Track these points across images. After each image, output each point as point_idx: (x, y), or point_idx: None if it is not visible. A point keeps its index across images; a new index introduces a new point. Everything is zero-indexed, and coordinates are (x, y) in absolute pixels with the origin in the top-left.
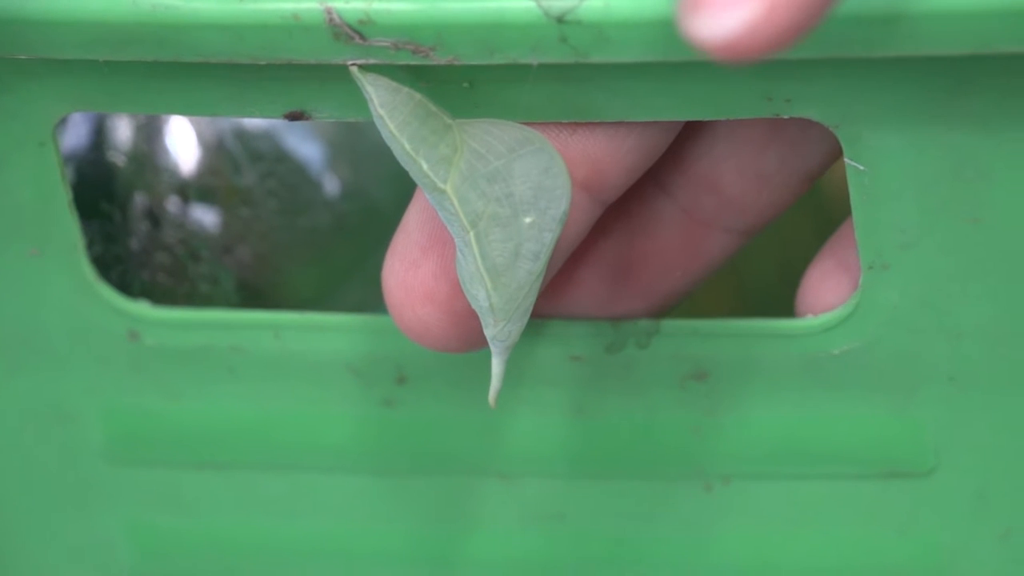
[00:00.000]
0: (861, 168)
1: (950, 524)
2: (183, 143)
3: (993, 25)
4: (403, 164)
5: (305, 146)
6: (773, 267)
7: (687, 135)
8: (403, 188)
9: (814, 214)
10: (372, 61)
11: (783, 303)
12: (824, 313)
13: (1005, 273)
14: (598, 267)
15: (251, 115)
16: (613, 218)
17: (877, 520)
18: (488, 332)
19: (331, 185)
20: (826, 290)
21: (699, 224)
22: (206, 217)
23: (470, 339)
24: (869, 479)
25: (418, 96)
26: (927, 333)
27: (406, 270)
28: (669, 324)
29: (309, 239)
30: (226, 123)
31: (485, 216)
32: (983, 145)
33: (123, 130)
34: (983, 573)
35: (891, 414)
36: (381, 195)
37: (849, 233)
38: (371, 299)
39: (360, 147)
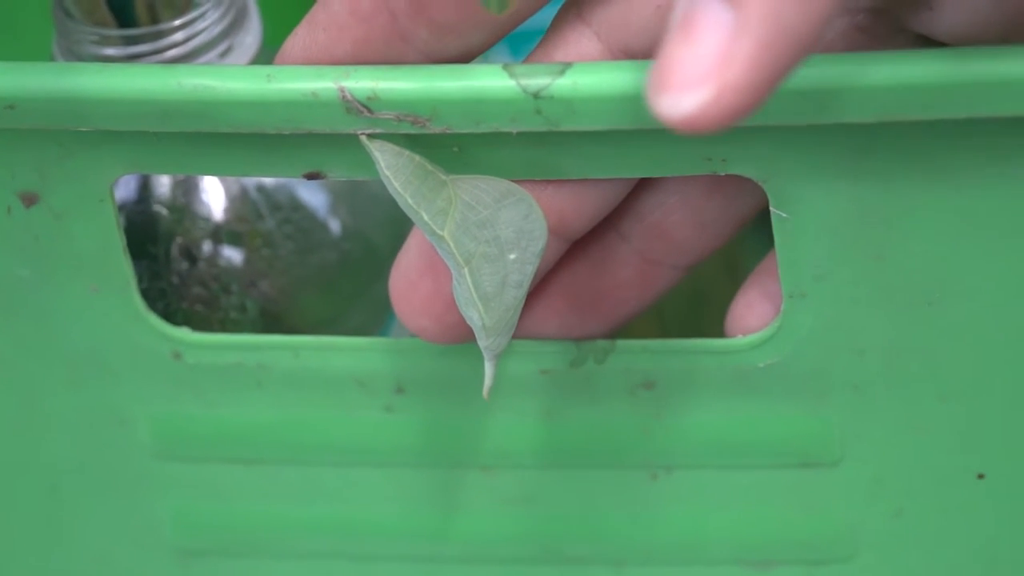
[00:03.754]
0: (784, 215)
1: (852, 505)
2: (214, 195)
3: (891, 98)
4: (407, 213)
5: (314, 196)
6: (686, 297)
7: (642, 193)
8: (396, 231)
9: (720, 255)
10: (378, 130)
11: (694, 327)
12: (751, 334)
13: (901, 302)
14: (565, 299)
15: (274, 175)
16: (578, 259)
17: (793, 502)
18: (481, 343)
19: (334, 226)
20: (752, 315)
21: (650, 263)
22: (234, 256)
23: (458, 339)
24: (786, 468)
25: (418, 158)
26: (836, 350)
27: (407, 288)
28: (623, 343)
29: (319, 273)
30: (250, 179)
31: (477, 255)
32: (884, 196)
33: (164, 185)
34: (879, 545)
35: (805, 415)
36: (377, 236)
37: (769, 268)
38: (371, 322)
39: (359, 196)
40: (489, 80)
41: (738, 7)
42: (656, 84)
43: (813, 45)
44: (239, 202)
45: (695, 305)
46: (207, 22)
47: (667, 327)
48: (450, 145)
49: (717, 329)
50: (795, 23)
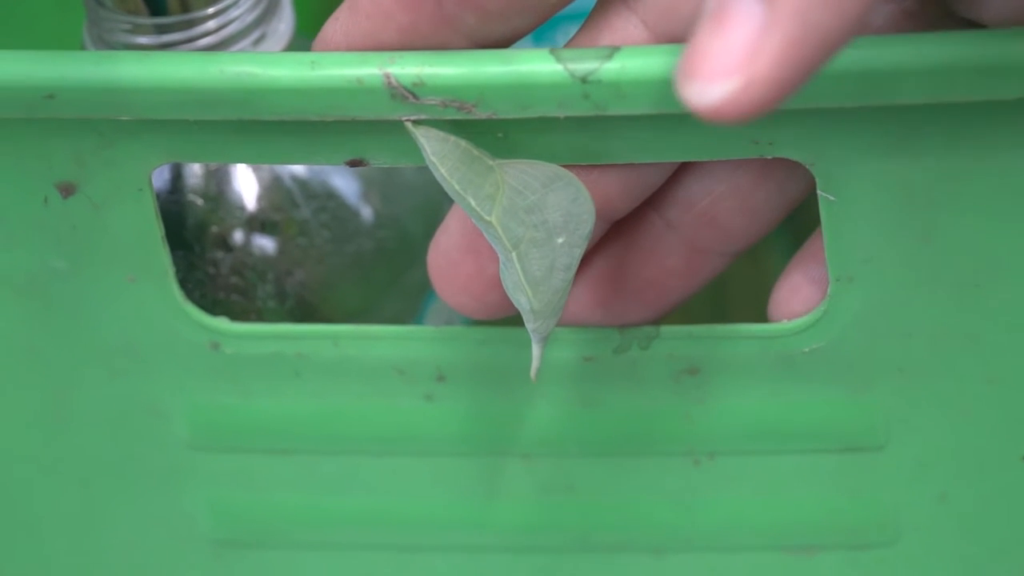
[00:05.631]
0: (832, 198)
1: (896, 490)
2: (247, 185)
3: (939, 79)
4: (454, 199)
5: (347, 184)
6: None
7: (689, 181)
8: (429, 218)
9: None
10: (423, 116)
11: (719, 312)
12: (796, 319)
13: (948, 283)
14: (611, 287)
15: (317, 163)
16: (625, 248)
17: (837, 487)
18: (529, 326)
19: (367, 214)
20: (796, 299)
21: (698, 251)
22: (270, 246)
23: (496, 314)
24: (831, 453)
25: (464, 144)
26: (883, 333)
27: (449, 266)
28: (667, 329)
29: (354, 262)
30: (284, 167)
31: (525, 240)
32: (932, 178)
33: (197, 175)
34: (923, 529)
35: (850, 399)
36: (411, 224)
37: (813, 252)
38: (406, 310)
39: (391, 183)
40: (536, 65)
41: (769, 1)
42: (685, 72)
43: (844, 42)
44: (273, 191)
45: (718, 289)
46: (240, 10)
47: (692, 313)
48: (495, 131)
49: (741, 313)
50: (825, 19)
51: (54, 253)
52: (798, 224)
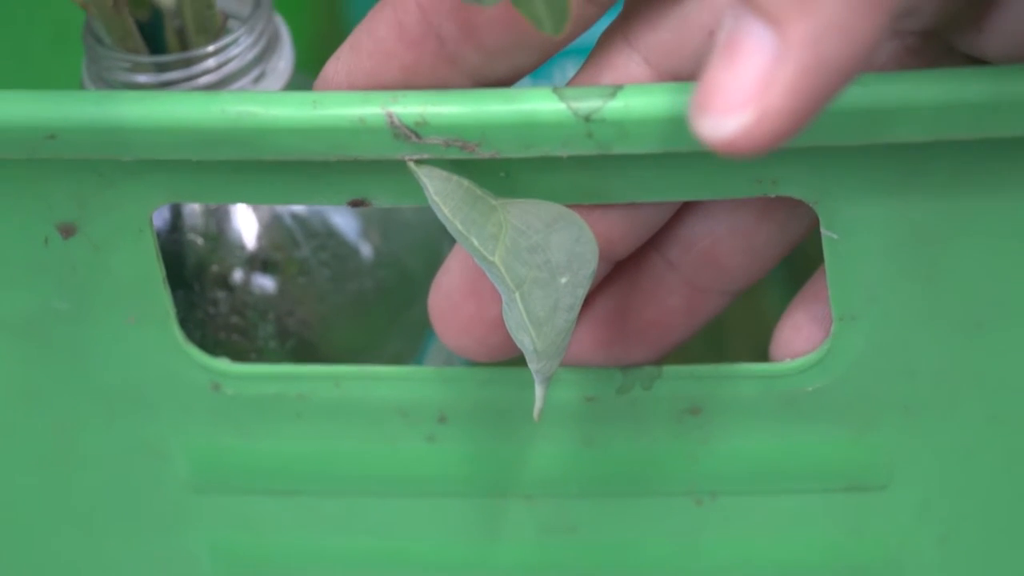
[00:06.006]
0: (835, 237)
1: (899, 529)
2: (247, 223)
3: (943, 116)
4: (456, 239)
5: (346, 222)
6: None
7: (691, 221)
8: (429, 256)
9: None
10: (426, 156)
11: (715, 349)
12: (799, 357)
13: (952, 322)
14: (613, 328)
15: (318, 203)
16: (626, 288)
17: (839, 527)
18: (532, 367)
19: (366, 252)
20: (799, 338)
21: (700, 291)
22: (270, 285)
23: (499, 358)
24: (834, 492)
25: (466, 183)
26: (886, 372)
27: (451, 308)
28: (670, 369)
29: (355, 300)
30: (284, 206)
31: (528, 280)
32: (936, 216)
33: (196, 214)
34: (926, 568)
35: (853, 438)
36: (411, 262)
37: (815, 291)
38: (407, 349)
39: (391, 221)
40: (539, 103)
41: (781, 32)
42: (699, 106)
43: (856, 72)
44: (273, 229)
45: (714, 326)
46: (240, 48)
47: (688, 351)
48: (498, 170)
49: (737, 349)
50: (837, 50)
51: (55, 294)
52: (793, 261)
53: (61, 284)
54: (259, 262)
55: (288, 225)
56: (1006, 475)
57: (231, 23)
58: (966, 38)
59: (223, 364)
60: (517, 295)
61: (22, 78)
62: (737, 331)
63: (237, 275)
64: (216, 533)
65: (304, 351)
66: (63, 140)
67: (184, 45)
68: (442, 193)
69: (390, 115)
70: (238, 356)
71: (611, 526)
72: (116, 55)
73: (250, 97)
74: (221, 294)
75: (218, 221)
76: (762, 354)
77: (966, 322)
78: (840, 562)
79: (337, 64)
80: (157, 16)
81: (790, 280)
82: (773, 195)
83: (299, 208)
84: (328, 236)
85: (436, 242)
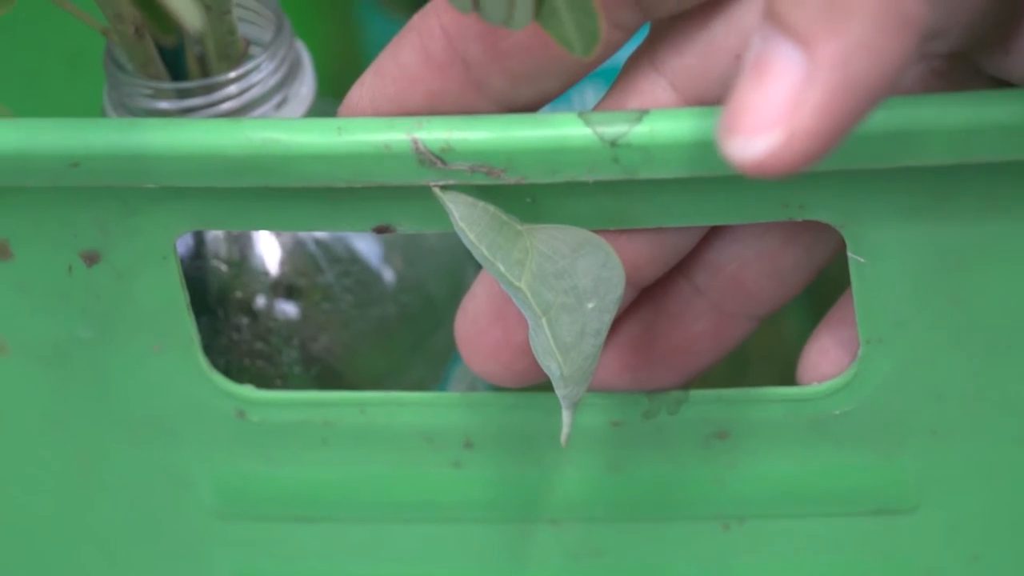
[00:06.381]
0: (862, 261)
1: (928, 552)
2: (270, 249)
3: (970, 139)
4: (483, 265)
5: (369, 248)
6: None
7: (717, 245)
8: (452, 281)
9: None
10: (451, 182)
11: (737, 372)
12: (826, 381)
13: (980, 345)
14: (639, 353)
15: (343, 229)
16: (652, 313)
17: (868, 549)
18: (559, 392)
19: (389, 278)
20: (826, 362)
21: (726, 315)
22: (294, 311)
23: (525, 383)
24: (862, 516)
25: (492, 209)
26: (914, 395)
27: (477, 333)
28: (696, 394)
29: (378, 326)
30: (307, 232)
31: (555, 305)
32: (963, 239)
33: (219, 240)
34: None
35: (881, 462)
36: (434, 288)
37: (841, 315)
38: (430, 375)
39: (413, 247)
40: (565, 129)
41: (810, 53)
42: (727, 127)
43: (885, 93)
44: (296, 255)
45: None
46: (262, 74)
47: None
48: (524, 196)
49: (759, 373)
50: (867, 70)
51: (79, 322)
52: (813, 285)
53: (85, 312)
54: (282, 288)
55: (311, 251)
56: None
57: (253, 49)
58: (993, 60)
59: (248, 391)
60: (544, 321)
61: (38, 105)
62: (759, 356)
63: (260, 301)
64: (240, 560)
65: (329, 377)
66: (86, 168)
67: (205, 71)
68: (468, 219)
69: (415, 141)
70: (262, 382)
71: (638, 551)
72: (138, 81)
73: (275, 124)
74: (245, 320)
75: (241, 247)
76: (784, 378)
77: (994, 344)
78: None
79: (361, 90)
80: (179, 42)
81: (810, 305)
82: (800, 219)
83: (322, 233)
84: (351, 262)
85: (459, 267)
